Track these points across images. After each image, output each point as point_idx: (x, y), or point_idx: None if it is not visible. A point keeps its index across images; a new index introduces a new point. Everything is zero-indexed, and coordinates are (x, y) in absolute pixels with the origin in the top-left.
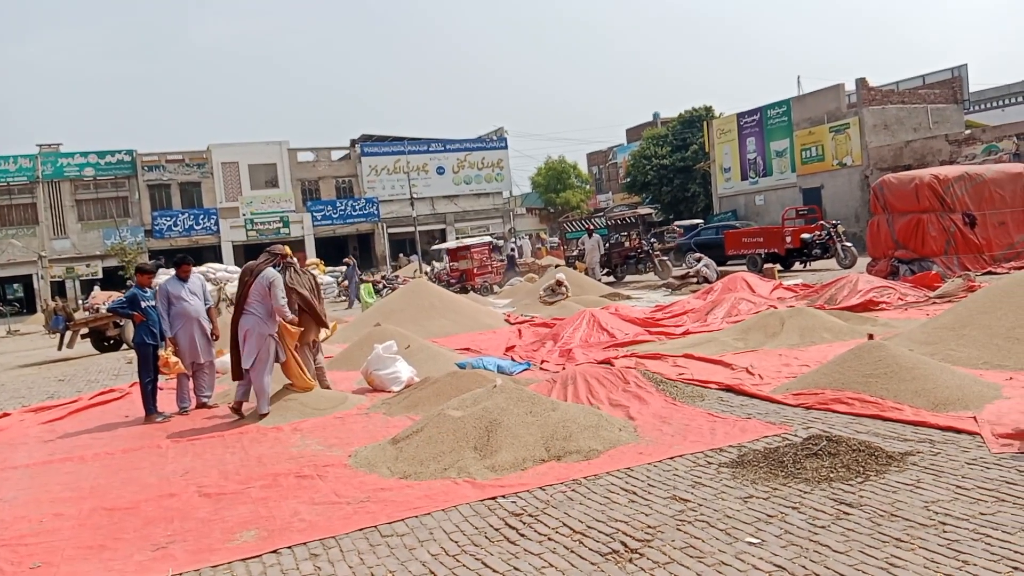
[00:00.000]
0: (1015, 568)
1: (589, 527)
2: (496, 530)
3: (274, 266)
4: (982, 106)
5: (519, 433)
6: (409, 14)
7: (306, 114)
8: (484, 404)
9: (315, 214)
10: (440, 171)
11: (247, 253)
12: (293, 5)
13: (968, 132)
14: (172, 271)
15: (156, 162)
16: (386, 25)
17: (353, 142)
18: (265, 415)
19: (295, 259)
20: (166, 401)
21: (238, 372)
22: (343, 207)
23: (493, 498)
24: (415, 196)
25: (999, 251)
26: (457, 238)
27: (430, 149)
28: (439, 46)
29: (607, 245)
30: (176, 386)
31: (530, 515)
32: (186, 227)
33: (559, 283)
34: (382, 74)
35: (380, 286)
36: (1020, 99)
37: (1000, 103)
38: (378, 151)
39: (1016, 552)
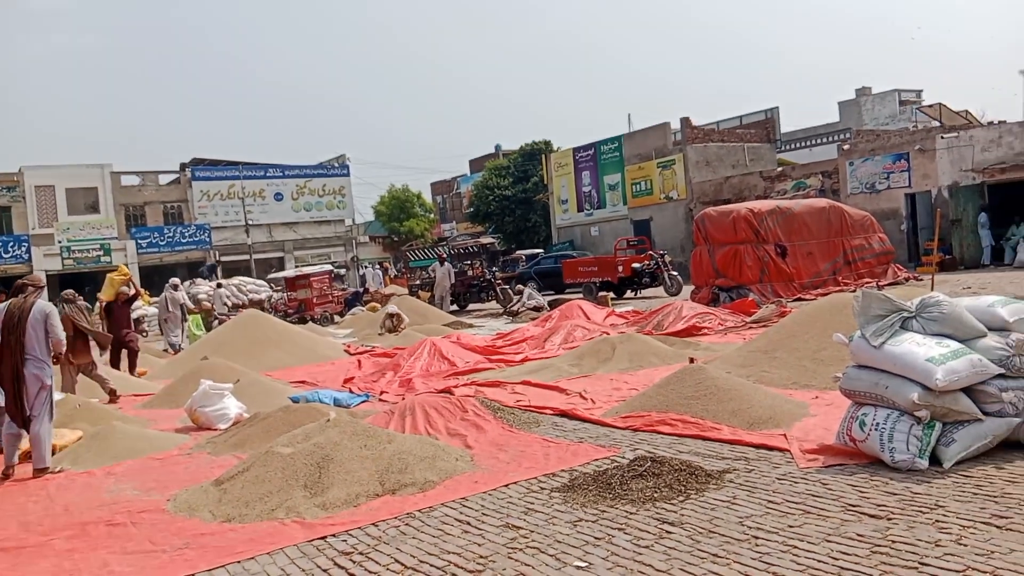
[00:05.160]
0: None
1: (421, 561)
2: (324, 571)
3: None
4: (792, 145)
5: (352, 468)
6: (241, 34)
7: (131, 136)
8: (316, 439)
9: (140, 241)
10: (278, 197)
11: (63, 283)
12: (114, 21)
13: (780, 169)
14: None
15: None
16: (218, 45)
17: (183, 166)
18: (45, 468)
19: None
20: None
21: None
22: (171, 234)
23: (323, 537)
24: (251, 223)
25: (807, 279)
26: (296, 266)
27: (267, 175)
28: (274, 69)
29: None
30: None
31: (361, 553)
32: None
33: (390, 315)
34: (214, 96)
35: (211, 317)
36: (825, 140)
37: (808, 143)
38: (210, 176)
39: (819, 561)
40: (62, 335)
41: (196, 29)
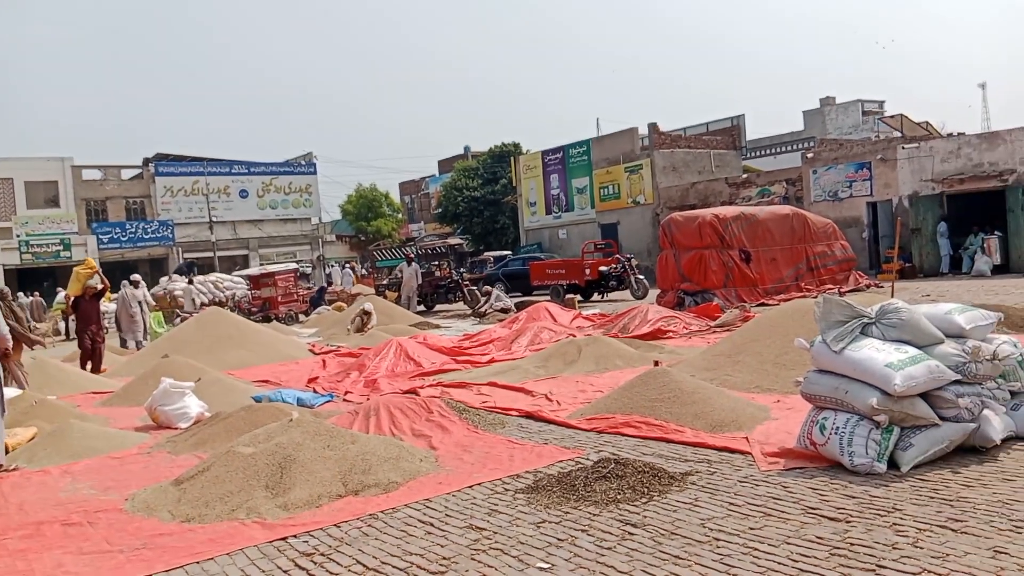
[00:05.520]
0: None
1: (383, 563)
2: (285, 572)
3: None
4: (757, 153)
5: (315, 469)
6: (208, 29)
7: (94, 130)
8: (278, 439)
9: (101, 236)
10: (243, 194)
11: (21, 278)
12: (74, 10)
13: (745, 176)
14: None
15: None
16: (183, 39)
17: (147, 160)
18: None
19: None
20: None
21: None
22: (133, 229)
23: (284, 538)
24: (215, 220)
25: (771, 284)
26: (261, 264)
27: (233, 171)
28: (241, 65)
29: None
30: None
31: (322, 554)
32: None
33: (366, 313)
34: (179, 91)
35: (174, 315)
36: (789, 148)
37: (772, 151)
38: (174, 171)
39: (779, 563)
40: (5, 331)
41: (161, 21)
